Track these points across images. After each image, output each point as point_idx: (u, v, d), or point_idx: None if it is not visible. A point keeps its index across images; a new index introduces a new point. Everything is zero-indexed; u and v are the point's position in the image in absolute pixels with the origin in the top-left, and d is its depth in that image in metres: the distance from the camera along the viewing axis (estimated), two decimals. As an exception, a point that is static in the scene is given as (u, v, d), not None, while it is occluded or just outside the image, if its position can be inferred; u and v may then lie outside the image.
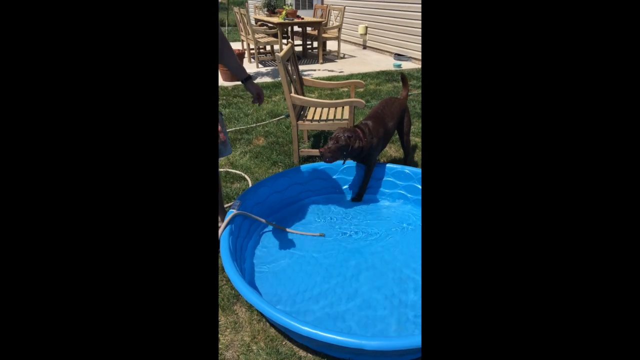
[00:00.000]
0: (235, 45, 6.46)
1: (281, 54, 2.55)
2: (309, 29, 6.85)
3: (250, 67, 6.11)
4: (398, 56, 6.51)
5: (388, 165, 2.43)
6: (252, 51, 6.42)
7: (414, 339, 1.21)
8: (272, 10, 7.63)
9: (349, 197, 2.43)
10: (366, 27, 7.43)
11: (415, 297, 1.65)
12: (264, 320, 1.56)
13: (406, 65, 6.10)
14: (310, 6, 9.65)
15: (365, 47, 7.70)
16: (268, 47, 6.87)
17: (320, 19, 6.54)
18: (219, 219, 1.93)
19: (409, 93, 4.54)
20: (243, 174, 2.66)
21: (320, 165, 2.44)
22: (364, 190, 2.36)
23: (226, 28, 5.69)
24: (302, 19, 6.50)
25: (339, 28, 6.67)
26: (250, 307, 1.63)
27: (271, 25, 6.62)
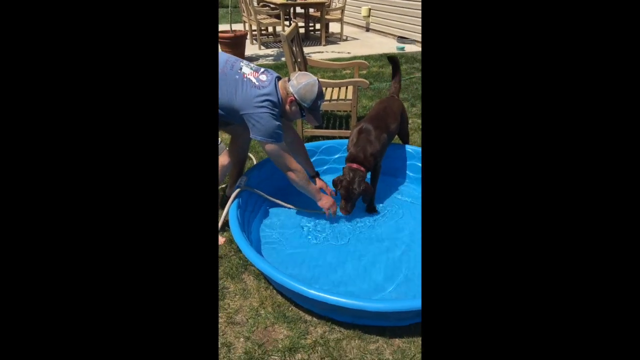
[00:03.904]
0: (237, 27, 6.41)
1: (286, 32, 2.57)
2: (311, 10, 6.77)
3: (252, 48, 6.08)
4: (401, 39, 6.46)
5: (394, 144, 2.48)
6: (254, 33, 6.38)
7: (413, 302, 1.29)
8: (274, -9, 7.52)
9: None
10: (369, 9, 7.34)
11: (417, 271, 1.73)
12: (271, 287, 1.65)
13: (409, 48, 6.07)
14: (313, -13, 9.48)
15: (368, 29, 7.62)
16: (270, 29, 6.81)
17: (323, 0, 6.46)
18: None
19: (410, 76, 4.54)
20: (248, 154, 2.71)
21: (325, 143, 2.49)
22: (374, 198, 2.17)
23: (229, 9, 5.63)
24: (305, 0, 6.43)
25: (342, 10, 6.60)
26: (258, 276, 1.71)
27: (273, 6, 6.55)
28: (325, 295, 1.31)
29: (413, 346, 1.38)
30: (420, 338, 1.41)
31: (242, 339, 1.42)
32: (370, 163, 2.03)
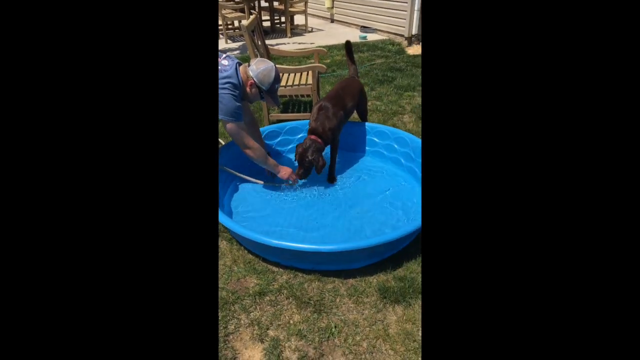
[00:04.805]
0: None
1: (246, 23, 2.75)
2: (275, 3, 6.91)
3: (219, 43, 6.18)
4: (364, 28, 6.71)
5: (351, 122, 2.72)
6: (220, 27, 6.47)
7: (361, 242, 1.54)
8: (238, -15, 7.60)
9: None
10: (333, 1, 7.54)
11: (370, 228, 1.98)
12: (242, 248, 1.86)
13: (372, 37, 6.33)
14: (277, -20, 9.59)
15: (332, 20, 7.83)
16: (236, 23, 6.91)
17: (287, -7, 6.62)
18: None
19: (371, 63, 4.80)
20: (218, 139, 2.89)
21: (288, 124, 2.71)
22: (334, 169, 2.40)
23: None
24: (269, -7, 6.56)
25: (306, 2, 6.77)
26: (230, 240, 1.92)
27: (238, 0, 6.65)
28: (287, 243, 1.54)
29: (364, 283, 1.64)
30: (370, 277, 1.67)
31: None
32: (328, 136, 2.27)
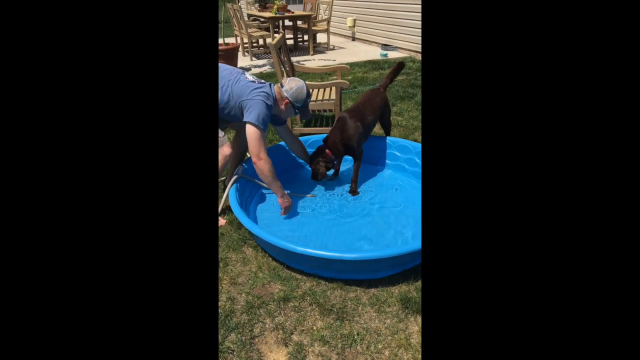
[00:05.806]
0: (230, 40, 6.77)
1: (274, 42, 2.89)
2: (299, 22, 7.16)
3: (244, 60, 6.42)
4: (385, 46, 6.84)
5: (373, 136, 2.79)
6: (245, 45, 6.73)
7: (384, 251, 1.58)
8: (263, 5, 7.94)
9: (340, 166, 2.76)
10: (354, 20, 7.75)
11: (391, 239, 2.02)
12: (267, 255, 1.92)
13: (392, 55, 6.45)
14: (300, 1, 9.95)
15: (354, 38, 8.02)
16: (261, 41, 7.17)
17: (310, 13, 6.85)
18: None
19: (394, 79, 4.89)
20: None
21: (311, 138, 2.79)
22: (356, 182, 2.43)
23: (221, 24, 5.98)
24: (293, 13, 6.81)
25: (328, 21, 6.99)
26: (256, 247, 1.98)
27: (263, 19, 6.93)
28: (311, 250, 1.59)
29: (386, 293, 1.66)
30: (392, 287, 1.69)
31: (243, 295, 1.69)
32: (338, 148, 2.35)
